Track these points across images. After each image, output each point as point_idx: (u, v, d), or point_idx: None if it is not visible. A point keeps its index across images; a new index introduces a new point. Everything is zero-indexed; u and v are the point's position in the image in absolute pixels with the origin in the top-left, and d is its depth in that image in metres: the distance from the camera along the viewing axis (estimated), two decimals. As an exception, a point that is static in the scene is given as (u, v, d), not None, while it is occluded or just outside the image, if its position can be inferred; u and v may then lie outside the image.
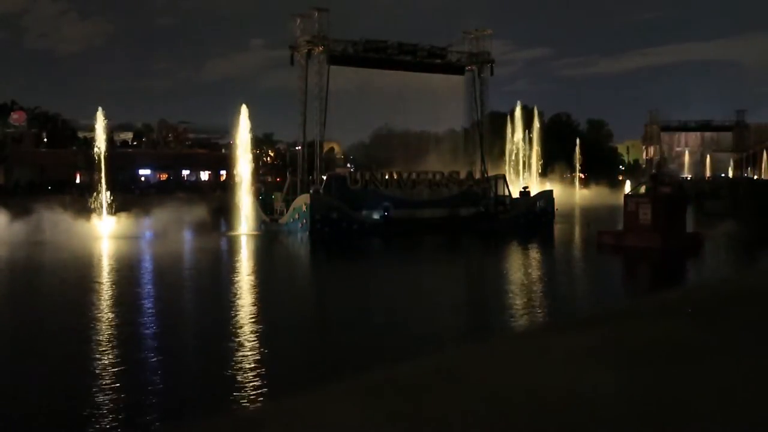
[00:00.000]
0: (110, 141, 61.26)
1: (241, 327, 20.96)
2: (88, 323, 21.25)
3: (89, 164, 51.63)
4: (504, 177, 62.52)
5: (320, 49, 55.42)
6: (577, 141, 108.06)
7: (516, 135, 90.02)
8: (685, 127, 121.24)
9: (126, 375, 16.03)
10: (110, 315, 23.06)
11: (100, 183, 49.88)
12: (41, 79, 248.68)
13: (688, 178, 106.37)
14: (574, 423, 2.22)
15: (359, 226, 51.78)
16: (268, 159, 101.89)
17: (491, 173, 62.60)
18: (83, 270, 33.51)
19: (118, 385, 15.28)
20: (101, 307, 24.43)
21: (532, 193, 62.68)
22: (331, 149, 65.96)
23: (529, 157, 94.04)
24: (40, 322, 22.42)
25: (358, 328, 21.02)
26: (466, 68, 63.35)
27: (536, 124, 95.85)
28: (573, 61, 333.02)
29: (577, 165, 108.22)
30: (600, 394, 2.50)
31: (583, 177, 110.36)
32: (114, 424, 13.08)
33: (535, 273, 34.18)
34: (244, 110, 53.32)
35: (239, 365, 16.67)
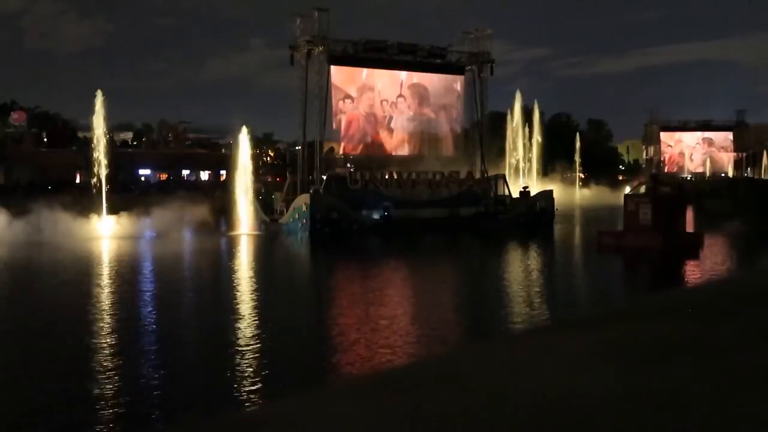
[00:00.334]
0: (110, 140, 61.16)
1: (242, 327, 20.94)
2: (89, 324, 21.24)
3: (89, 164, 51.61)
4: (504, 177, 62.54)
5: (320, 49, 55.43)
6: (577, 141, 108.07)
7: (515, 121, 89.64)
8: (685, 127, 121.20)
9: (126, 375, 16.02)
10: (110, 315, 23.04)
11: (100, 182, 49.95)
12: (41, 79, 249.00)
13: (689, 178, 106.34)
14: (574, 423, 2.21)
15: (359, 226, 51.77)
16: (268, 159, 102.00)
17: (491, 173, 62.65)
18: (83, 270, 33.51)
19: (119, 385, 15.28)
20: (101, 308, 24.41)
21: (532, 193, 62.70)
22: (331, 149, 65.86)
23: (531, 144, 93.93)
24: (39, 323, 22.40)
25: (359, 329, 21.01)
26: (466, 68, 63.39)
27: (536, 115, 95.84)
28: (573, 61, 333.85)
29: (577, 165, 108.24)
30: (601, 394, 2.49)
31: (583, 177, 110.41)
32: (115, 424, 13.08)
33: (536, 273, 34.18)
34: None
35: (240, 366, 16.66)
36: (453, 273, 35.10)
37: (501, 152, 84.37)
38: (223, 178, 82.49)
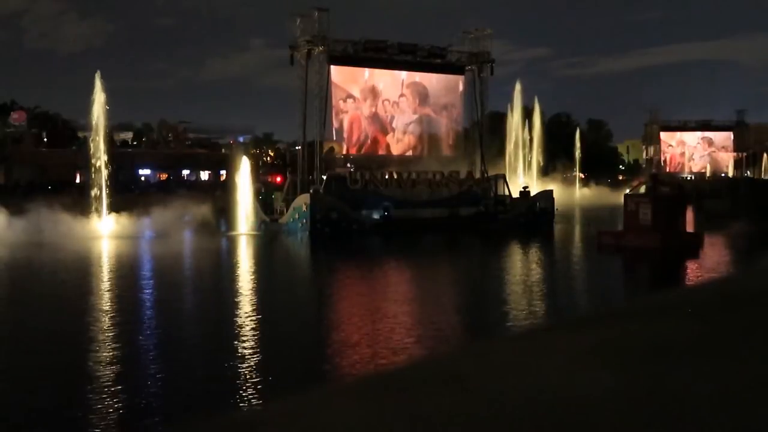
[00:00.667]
0: (110, 140, 61.06)
1: (243, 328, 20.94)
2: (89, 323, 21.24)
3: (89, 164, 51.53)
4: (504, 177, 62.54)
5: (320, 49, 55.43)
6: (577, 141, 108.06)
7: (515, 112, 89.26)
8: (685, 127, 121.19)
9: (126, 375, 16.02)
10: (110, 316, 23.04)
11: (100, 182, 49.93)
12: (41, 79, 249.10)
13: (689, 178, 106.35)
14: (574, 423, 2.21)
15: (359, 226, 51.77)
16: (268, 159, 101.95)
17: (491, 173, 62.64)
18: (83, 270, 33.53)
19: (119, 386, 15.28)
20: (101, 308, 24.42)
21: (532, 193, 62.69)
22: (331, 149, 65.87)
23: (531, 136, 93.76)
24: (38, 323, 22.40)
25: (360, 329, 21.01)
26: (466, 68, 63.40)
27: (537, 111, 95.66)
28: (573, 61, 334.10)
29: (577, 165, 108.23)
30: (601, 394, 2.49)
31: (583, 177, 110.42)
32: (114, 425, 13.08)
33: (536, 273, 34.19)
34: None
35: (241, 367, 16.66)
36: (453, 273, 35.10)
37: (501, 150, 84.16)
38: (223, 178, 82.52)
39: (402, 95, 61.49)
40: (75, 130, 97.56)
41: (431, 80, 62.59)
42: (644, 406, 2.40)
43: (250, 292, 28.32)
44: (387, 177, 55.70)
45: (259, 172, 79.11)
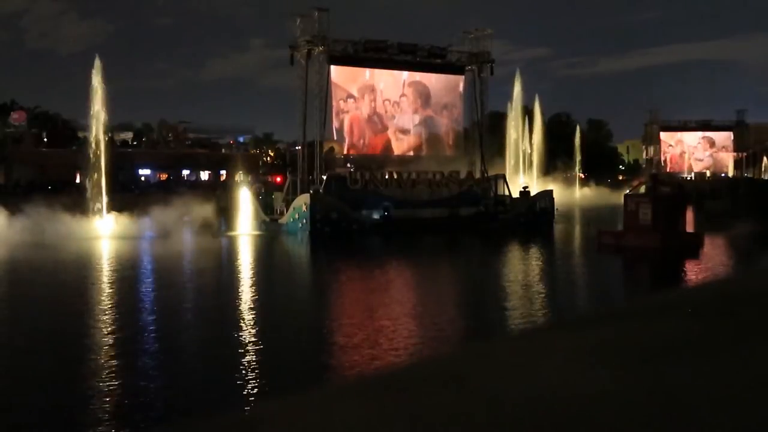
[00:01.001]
0: (110, 140, 61.10)
1: (243, 328, 20.94)
2: (89, 324, 21.24)
3: (89, 164, 51.52)
4: (504, 177, 62.54)
5: (320, 49, 55.43)
6: (577, 141, 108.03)
7: (515, 104, 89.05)
8: (685, 127, 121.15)
9: (126, 375, 16.03)
10: (110, 316, 23.04)
11: (100, 182, 49.93)
12: (41, 79, 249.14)
13: (689, 178, 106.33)
14: (574, 423, 2.21)
15: (359, 226, 51.77)
16: (268, 159, 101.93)
17: (491, 173, 62.64)
18: (83, 270, 33.52)
19: (119, 386, 15.28)
20: (101, 308, 24.42)
21: (532, 193, 62.69)
22: (331, 149, 65.86)
23: (531, 134, 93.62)
24: (36, 324, 22.40)
25: (360, 329, 21.00)
26: (466, 68, 63.40)
27: (537, 111, 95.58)
28: (573, 61, 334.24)
29: (577, 165, 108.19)
30: (601, 394, 2.49)
31: (583, 177, 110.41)
32: (115, 424, 13.08)
33: (536, 273, 34.20)
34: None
35: (241, 366, 16.66)
36: (453, 273, 35.11)
37: (501, 150, 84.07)
38: (223, 178, 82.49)
39: (403, 95, 61.49)
40: (75, 130, 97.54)
41: (431, 80, 62.60)
42: (644, 406, 2.40)
43: (250, 292, 28.32)
44: (387, 177, 55.71)
45: (259, 172, 79.17)
